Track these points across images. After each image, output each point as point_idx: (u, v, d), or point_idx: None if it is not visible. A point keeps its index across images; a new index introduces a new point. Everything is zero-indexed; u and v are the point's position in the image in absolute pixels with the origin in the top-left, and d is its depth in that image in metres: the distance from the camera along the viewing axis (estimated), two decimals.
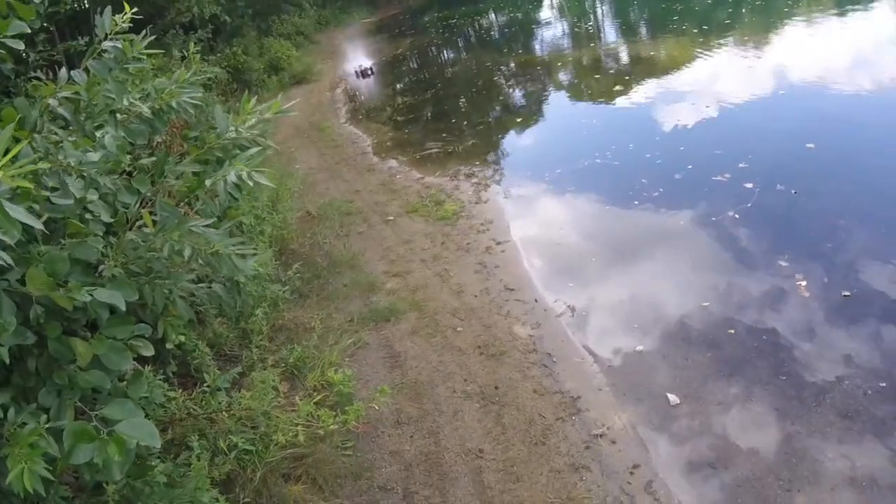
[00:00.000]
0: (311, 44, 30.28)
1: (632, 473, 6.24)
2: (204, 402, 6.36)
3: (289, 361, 7.65)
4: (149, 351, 3.74)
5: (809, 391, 7.08)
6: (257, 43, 24.88)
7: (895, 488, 5.90)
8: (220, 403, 6.37)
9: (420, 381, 7.56)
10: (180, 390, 6.42)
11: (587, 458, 6.38)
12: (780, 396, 7.07)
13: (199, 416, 6.25)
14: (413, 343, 8.24)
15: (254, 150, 3.41)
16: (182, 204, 3.93)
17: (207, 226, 3.50)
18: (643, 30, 26.14)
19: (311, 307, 9.10)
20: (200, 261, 3.44)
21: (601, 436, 6.65)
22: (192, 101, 3.63)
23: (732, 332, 8.04)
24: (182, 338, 6.44)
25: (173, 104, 3.54)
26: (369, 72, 25.05)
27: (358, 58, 27.15)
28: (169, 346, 6.06)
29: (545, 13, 33.18)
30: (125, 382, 3.88)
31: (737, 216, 10.56)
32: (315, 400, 6.61)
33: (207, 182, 3.38)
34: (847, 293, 8.43)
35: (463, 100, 19.92)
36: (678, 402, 7.07)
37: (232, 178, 3.24)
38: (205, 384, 6.64)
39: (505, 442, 6.62)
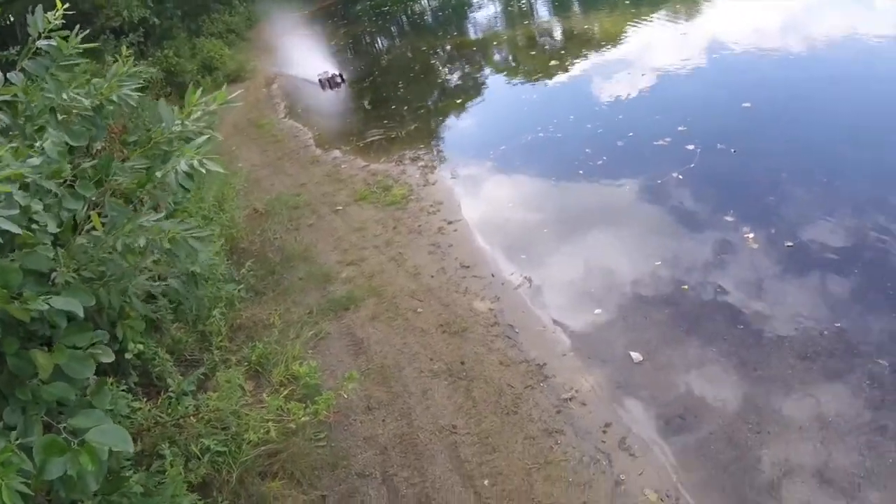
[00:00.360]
0: (243, 41, 29.73)
1: (605, 432, 6.40)
2: (171, 409, 6.26)
3: (251, 359, 7.57)
4: (109, 357, 3.66)
5: (767, 337, 7.34)
6: (189, 44, 24.27)
7: (860, 423, 6.19)
8: (187, 408, 6.28)
9: (386, 365, 7.58)
10: (145, 399, 6.31)
11: (559, 421, 6.51)
12: (739, 345, 7.31)
13: (166, 424, 6.15)
14: (375, 328, 8.25)
15: (202, 138, 3.35)
16: (131, 206, 3.85)
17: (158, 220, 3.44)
18: (576, 5, 26.29)
19: (268, 303, 9.01)
20: (156, 254, 3.38)
21: (571, 399, 6.79)
22: (132, 93, 3.55)
23: (686, 287, 8.28)
24: (140, 346, 6.31)
25: (114, 98, 3.46)
26: (339, 79, 20.51)
27: (298, 57, 23.86)
28: (128, 356, 5.97)
29: None
30: (88, 395, 3.79)
31: (681, 177, 10.82)
32: (283, 394, 6.56)
33: (158, 174, 3.31)
34: (790, 243, 8.76)
35: (401, 85, 19.83)
36: (641, 359, 7.27)
37: (183, 167, 3.18)
38: (169, 390, 6.54)
39: (477, 415, 6.70)
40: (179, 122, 3.49)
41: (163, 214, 3.59)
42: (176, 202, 7.40)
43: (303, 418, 6.09)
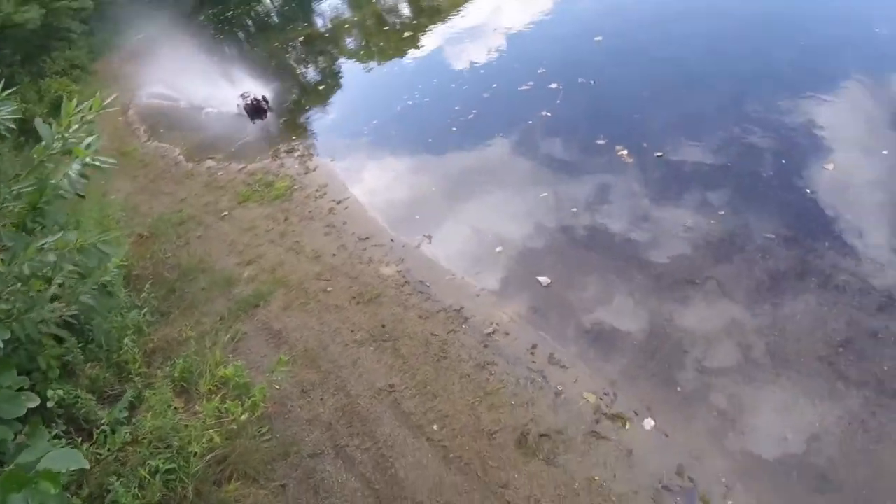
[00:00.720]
0: (89, 75, 28.19)
1: (533, 353, 6.82)
2: (108, 442, 6.15)
3: (175, 376, 7.44)
4: (34, 402, 3.65)
5: (659, 237, 8.00)
6: (34, 88, 22.85)
7: (762, 290, 6.99)
8: (124, 436, 6.19)
9: (310, 348, 7.67)
10: (80, 440, 6.17)
11: (489, 354, 6.89)
12: (635, 249, 7.93)
13: (108, 459, 6.05)
14: (290, 317, 8.31)
15: (90, 137, 3.37)
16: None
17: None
18: None
19: (176, 321, 8.86)
20: (65, 269, 3.38)
21: (494, 332, 7.17)
22: (11, 115, 3.50)
23: (575, 210, 8.81)
24: (60, 392, 6.15)
25: None
26: (265, 104, 16.14)
27: (153, 78, 22.20)
28: (50, 404, 5.84)
29: None
30: (25, 437, 3.75)
31: (549, 114, 11.40)
32: (216, 399, 6.56)
33: (53, 181, 3.31)
34: (659, 153, 9.51)
35: (262, 84, 19.46)
36: (549, 281, 7.75)
37: (76, 167, 3.20)
38: (102, 424, 6.40)
39: (410, 370, 6.95)
40: (59, 135, 3.48)
41: (60, 234, 3.57)
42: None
43: (242, 416, 6.13)
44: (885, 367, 6.48)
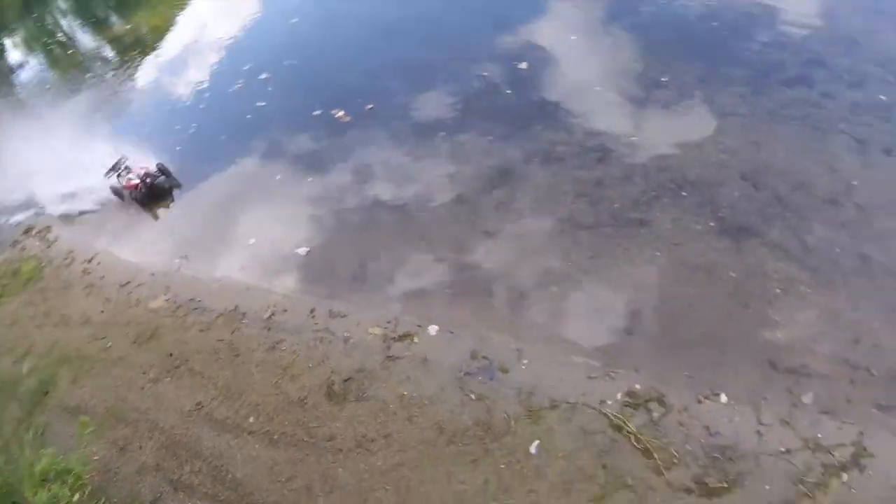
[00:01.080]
0: None
1: (313, 317, 7.32)
2: None
3: None
4: None
5: (392, 174, 8.84)
6: None
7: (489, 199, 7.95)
8: None
9: (111, 406, 7.56)
10: None
11: (274, 335, 7.27)
12: (372, 191, 8.72)
13: None
14: (81, 388, 8.04)
15: None
16: None
17: None
18: (111, 13, 24.85)
19: None
20: None
21: (273, 315, 7.54)
22: None
23: (311, 179, 9.43)
24: None
25: None
26: (166, 180, 10.64)
27: None
28: None
29: (14, 55, 29.54)
30: None
31: (264, 104, 11.77)
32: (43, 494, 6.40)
33: None
34: (370, 106, 10.42)
35: None
36: (308, 250, 8.28)
37: None
38: None
39: (210, 381, 7.14)
40: None
41: None
42: None
43: (74, 497, 6.11)
44: (616, 205, 7.60)
